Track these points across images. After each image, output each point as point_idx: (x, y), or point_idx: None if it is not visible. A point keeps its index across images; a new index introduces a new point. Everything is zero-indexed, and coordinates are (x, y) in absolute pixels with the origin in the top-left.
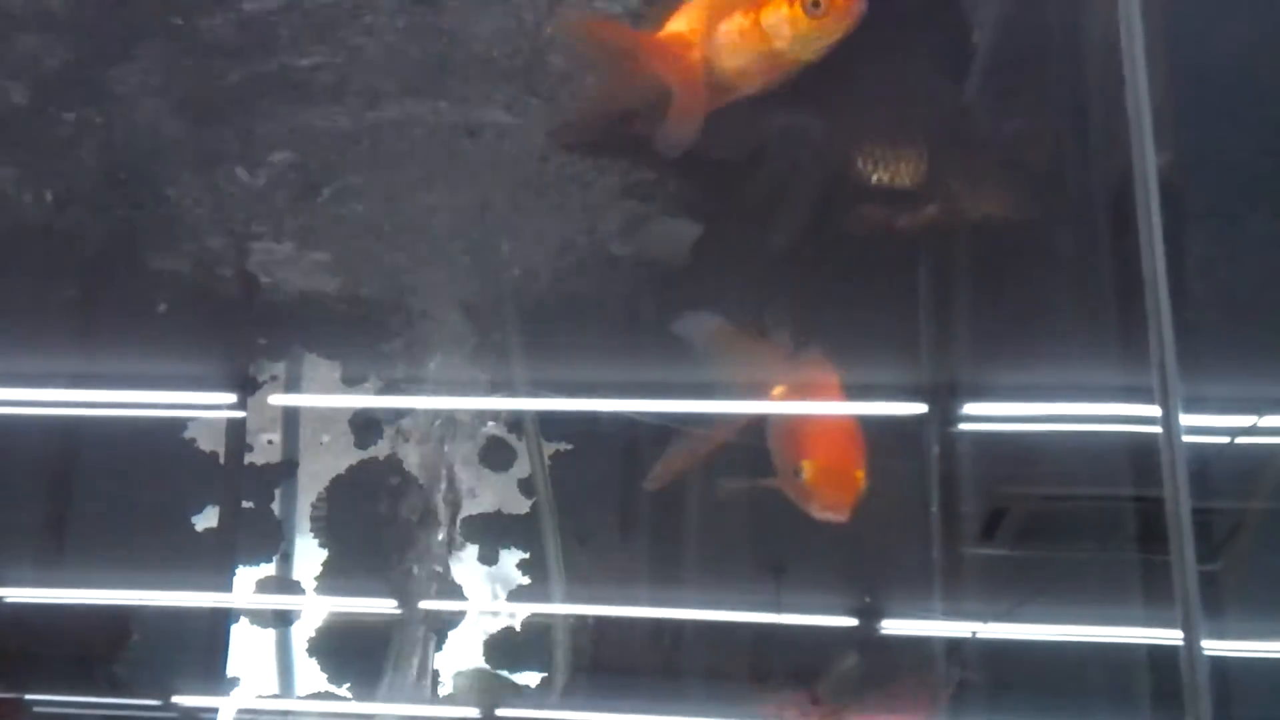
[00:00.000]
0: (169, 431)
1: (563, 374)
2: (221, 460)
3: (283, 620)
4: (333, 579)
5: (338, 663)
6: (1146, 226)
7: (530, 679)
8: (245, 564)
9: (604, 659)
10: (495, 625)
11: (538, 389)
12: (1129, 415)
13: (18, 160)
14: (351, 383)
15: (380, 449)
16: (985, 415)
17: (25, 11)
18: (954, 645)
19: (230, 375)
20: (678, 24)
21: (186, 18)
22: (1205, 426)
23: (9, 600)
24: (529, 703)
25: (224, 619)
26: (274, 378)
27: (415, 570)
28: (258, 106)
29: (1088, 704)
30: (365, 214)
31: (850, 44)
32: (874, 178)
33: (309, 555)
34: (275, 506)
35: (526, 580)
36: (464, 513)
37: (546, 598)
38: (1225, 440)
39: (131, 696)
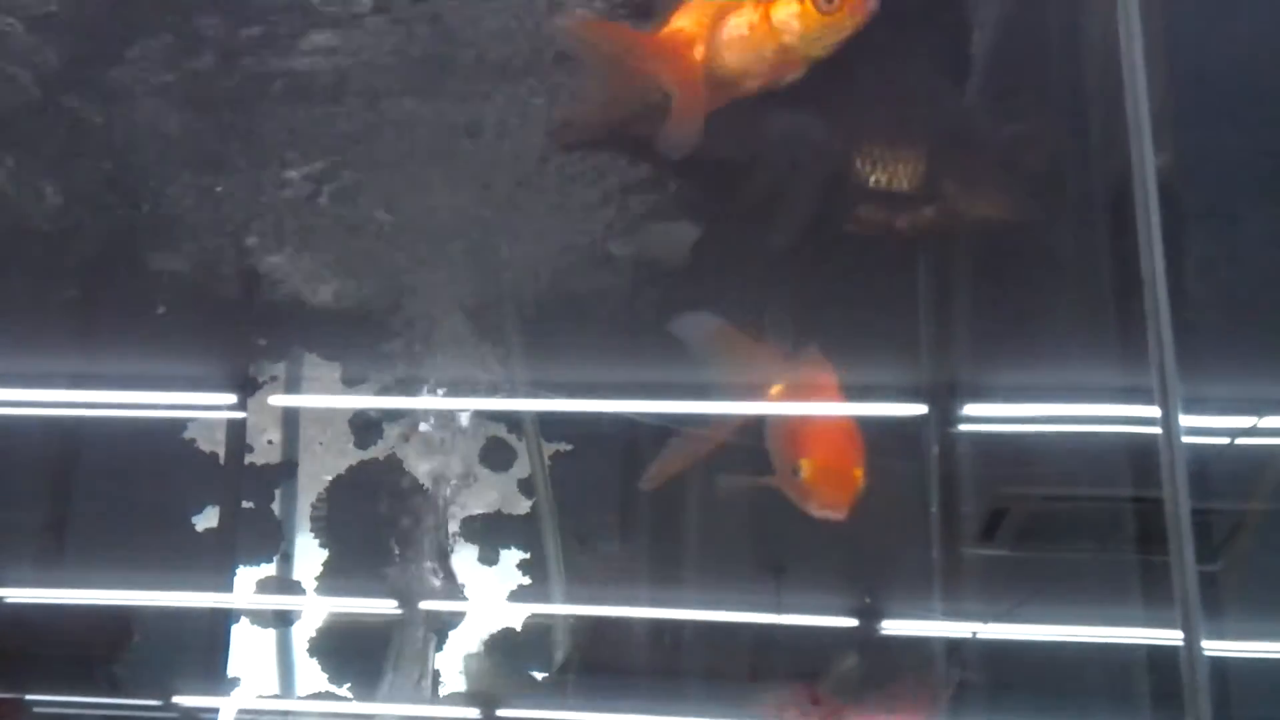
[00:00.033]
0: (169, 432)
1: (562, 374)
2: (222, 460)
3: (283, 620)
4: (333, 579)
5: (338, 663)
6: (1146, 226)
7: (530, 679)
8: (246, 564)
9: (604, 659)
10: (496, 625)
11: (538, 389)
12: (1129, 416)
13: (18, 160)
14: (351, 383)
15: (380, 449)
16: (985, 416)
17: (25, 11)
18: (954, 645)
19: (230, 376)
20: (681, 20)
21: (185, 16)
22: (1205, 427)
23: (10, 600)
24: (529, 702)
25: (224, 619)
26: (274, 378)
27: (415, 570)
28: (257, 106)
29: (1088, 704)
30: (365, 214)
31: (850, 45)
32: (872, 179)
33: (309, 555)
34: (275, 507)
35: (527, 580)
36: (464, 513)
37: (547, 598)
38: (1225, 441)
39: (132, 697)
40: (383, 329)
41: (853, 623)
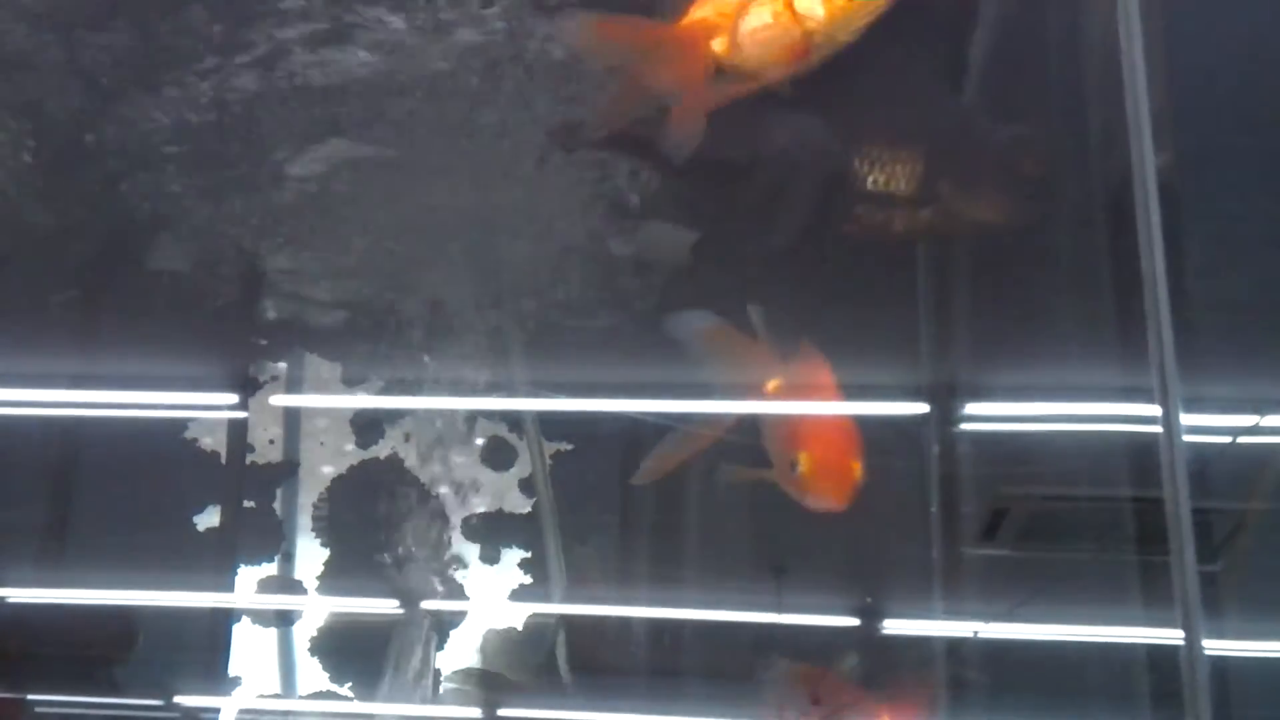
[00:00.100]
0: (171, 432)
1: (563, 374)
2: (223, 460)
3: (284, 620)
4: (334, 579)
5: (339, 662)
6: (1146, 227)
7: (529, 678)
8: (247, 564)
9: (604, 659)
10: (496, 624)
11: (538, 389)
12: (1129, 415)
13: (18, 159)
14: (352, 383)
15: (380, 449)
16: (986, 415)
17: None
18: (955, 645)
19: (231, 375)
20: (702, 10)
21: (184, 13)
22: (1205, 426)
23: (11, 601)
24: (529, 702)
25: (226, 619)
26: (275, 378)
27: (415, 570)
28: (257, 106)
29: (1088, 704)
30: (365, 215)
31: (849, 46)
32: (870, 181)
33: (310, 555)
34: (277, 506)
35: (528, 579)
36: (465, 513)
37: (547, 597)
38: (1225, 440)
39: (133, 697)
40: (383, 329)
41: (854, 623)
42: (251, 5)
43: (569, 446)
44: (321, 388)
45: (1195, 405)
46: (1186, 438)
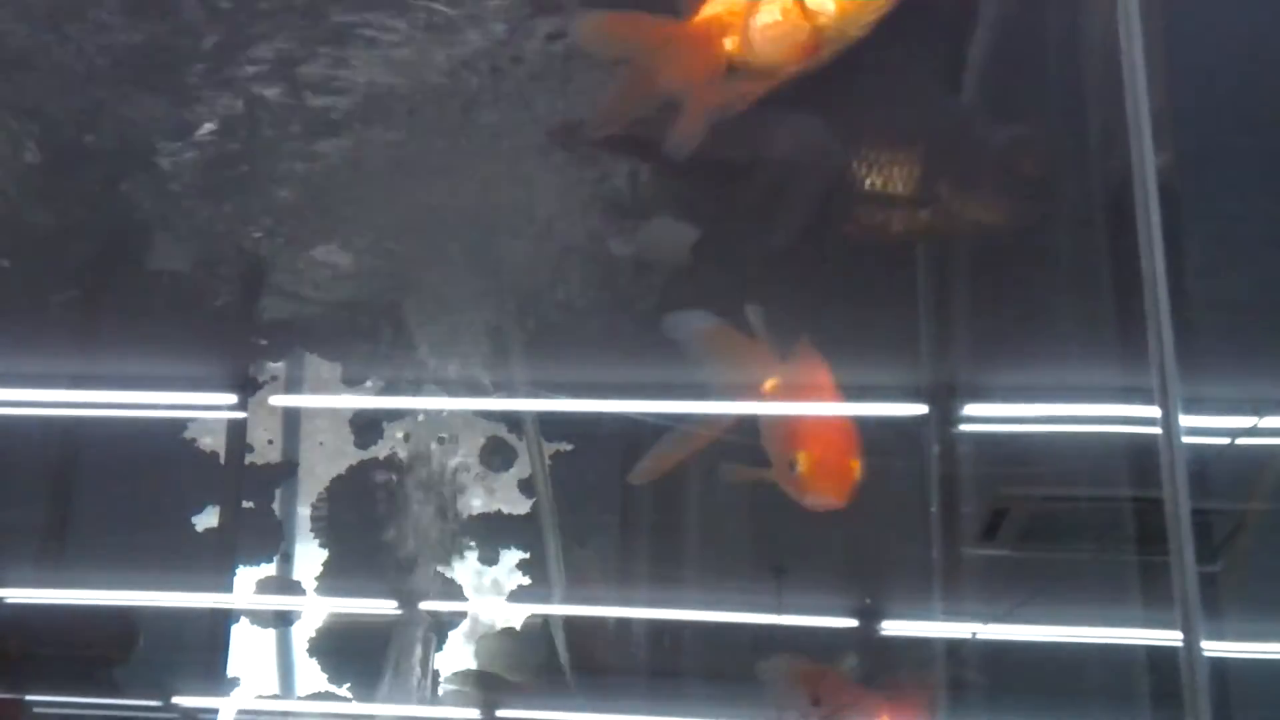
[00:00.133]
0: (170, 432)
1: (562, 374)
2: (222, 460)
3: (283, 620)
4: (333, 579)
5: (338, 663)
6: (1145, 227)
7: (528, 679)
8: (246, 564)
9: (604, 659)
10: (495, 625)
11: (538, 389)
12: (1129, 416)
13: (18, 159)
14: (351, 383)
15: (380, 449)
16: (985, 416)
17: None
18: (954, 646)
19: (231, 376)
20: (713, 8)
21: (184, 13)
22: (1205, 427)
23: (10, 601)
24: (529, 703)
25: (224, 619)
26: (274, 378)
27: (414, 571)
28: (257, 106)
29: (1087, 705)
30: (365, 215)
31: (851, 45)
32: (868, 182)
33: (309, 555)
34: (276, 507)
35: (527, 580)
36: (464, 513)
37: (547, 598)
38: (1225, 441)
39: (132, 697)
40: (382, 330)
41: (853, 623)
42: (252, 5)
43: (569, 447)
44: (321, 388)
45: (1195, 406)
46: (1186, 438)
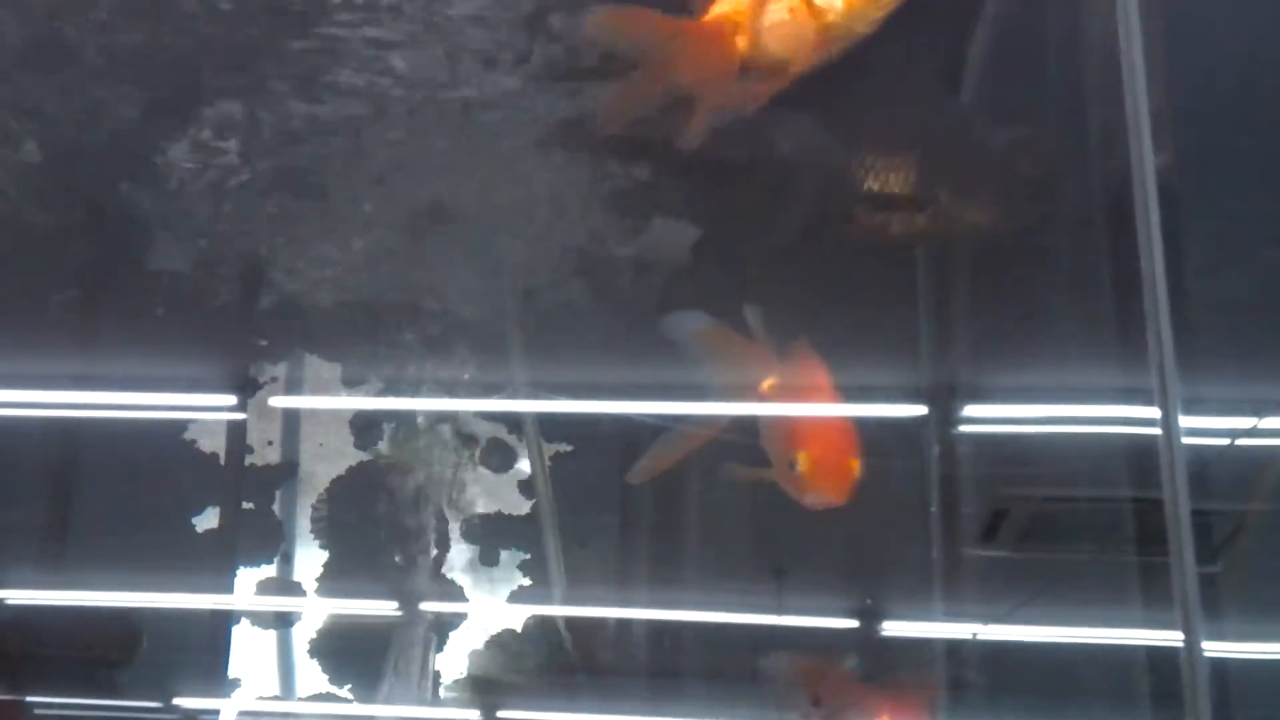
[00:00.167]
0: (170, 433)
1: (562, 374)
2: (222, 461)
3: (283, 621)
4: (333, 580)
5: (338, 664)
6: (1145, 227)
7: (528, 680)
8: (246, 565)
9: (604, 660)
10: (495, 626)
11: (537, 389)
12: (1128, 417)
13: (18, 159)
14: (351, 385)
15: (380, 449)
16: (985, 417)
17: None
18: (955, 646)
19: (230, 377)
20: (723, 6)
21: (184, 13)
22: (1205, 428)
23: (10, 602)
24: (529, 704)
25: (225, 620)
26: (274, 379)
27: (415, 571)
28: (257, 106)
29: (1088, 705)
30: (365, 215)
31: (853, 44)
32: (867, 184)
33: (310, 556)
34: (276, 508)
35: (527, 581)
36: (464, 514)
37: (547, 599)
38: (1225, 442)
39: (132, 699)
40: (382, 330)
41: (854, 624)
42: (252, 4)
43: (568, 447)
44: (321, 388)
45: (1195, 406)
46: (1186, 439)
